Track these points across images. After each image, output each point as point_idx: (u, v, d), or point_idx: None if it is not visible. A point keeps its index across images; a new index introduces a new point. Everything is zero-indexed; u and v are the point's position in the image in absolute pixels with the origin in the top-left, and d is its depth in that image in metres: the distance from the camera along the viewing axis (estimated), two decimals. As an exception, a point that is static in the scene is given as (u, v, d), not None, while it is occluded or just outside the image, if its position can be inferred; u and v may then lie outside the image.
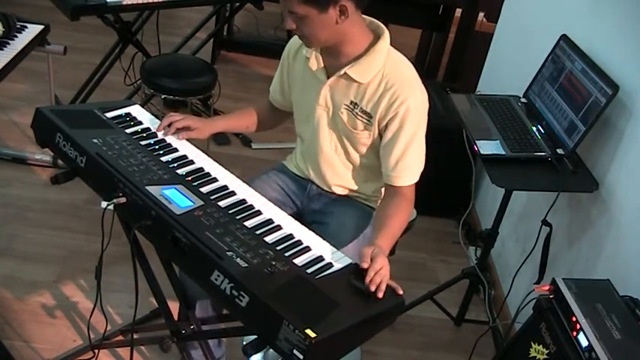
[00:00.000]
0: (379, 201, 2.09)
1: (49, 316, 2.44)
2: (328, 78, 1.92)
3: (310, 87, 1.97)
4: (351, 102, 1.90)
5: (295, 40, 2.02)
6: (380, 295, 1.52)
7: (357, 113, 1.90)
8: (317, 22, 1.75)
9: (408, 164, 1.89)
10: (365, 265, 1.57)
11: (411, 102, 1.84)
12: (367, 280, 1.54)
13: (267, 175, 2.14)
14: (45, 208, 2.94)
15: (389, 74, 1.85)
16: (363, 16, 1.86)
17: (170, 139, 1.90)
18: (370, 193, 2.08)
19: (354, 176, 2.04)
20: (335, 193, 2.08)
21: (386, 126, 1.88)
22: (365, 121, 1.90)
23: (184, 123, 1.94)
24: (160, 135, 1.91)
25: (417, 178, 1.92)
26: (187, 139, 1.93)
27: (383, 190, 2.07)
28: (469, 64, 4.00)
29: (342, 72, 1.87)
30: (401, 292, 1.58)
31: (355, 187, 2.06)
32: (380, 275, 1.55)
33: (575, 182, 2.21)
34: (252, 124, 2.19)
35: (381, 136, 1.91)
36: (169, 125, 1.93)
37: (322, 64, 1.93)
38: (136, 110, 1.98)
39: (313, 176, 2.08)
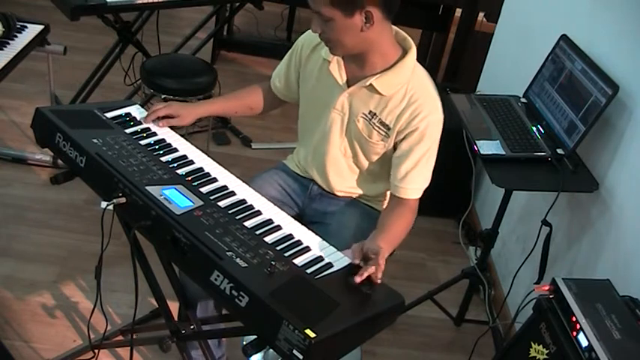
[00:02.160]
0: (382, 203, 2.09)
1: (49, 316, 2.44)
2: (349, 85, 1.90)
3: (326, 89, 1.94)
4: (370, 112, 1.89)
5: (311, 36, 1.99)
6: (379, 281, 1.54)
7: (374, 123, 1.89)
8: (342, 27, 1.73)
9: (416, 178, 1.89)
10: (356, 261, 1.57)
11: (432, 118, 1.85)
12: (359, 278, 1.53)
13: (267, 174, 2.13)
14: (45, 208, 2.94)
15: (414, 89, 1.85)
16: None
17: (170, 140, 1.89)
18: (374, 194, 2.07)
19: (360, 180, 2.04)
20: (336, 194, 2.07)
21: (403, 138, 1.87)
22: (382, 132, 1.89)
23: (166, 111, 1.94)
24: (144, 123, 1.91)
25: (420, 194, 1.92)
26: (187, 140, 1.93)
27: (387, 193, 2.07)
28: (469, 64, 4.00)
29: (367, 83, 1.85)
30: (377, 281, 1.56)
31: (359, 191, 2.06)
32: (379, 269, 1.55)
33: (575, 182, 2.21)
34: (241, 108, 2.16)
35: (395, 147, 1.91)
36: (151, 114, 1.93)
37: (344, 71, 1.90)
38: (136, 110, 1.98)
39: (316, 176, 2.07)
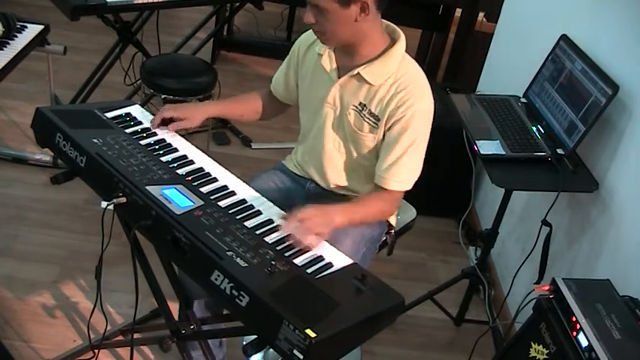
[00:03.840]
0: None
1: (49, 316, 2.44)
2: (340, 77, 1.91)
3: (320, 84, 1.96)
4: (360, 103, 1.90)
5: (307, 36, 2.02)
6: (302, 246, 1.59)
7: (364, 115, 1.90)
8: (337, 18, 1.74)
9: (401, 170, 1.87)
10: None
11: (418, 107, 1.84)
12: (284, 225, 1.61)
13: (265, 175, 2.14)
14: (45, 208, 2.94)
15: (401, 78, 1.85)
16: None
17: (170, 139, 1.89)
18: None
19: (355, 177, 2.04)
20: (334, 192, 2.07)
21: (391, 127, 1.87)
22: (372, 123, 1.89)
23: (171, 113, 1.93)
24: (152, 128, 1.90)
25: (408, 187, 1.90)
26: (187, 140, 1.93)
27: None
28: (469, 64, 4.00)
29: (354, 72, 1.87)
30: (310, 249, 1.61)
31: (355, 187, 2.06)
32: (298, 223, 1.60)
33: (575, 182, 2.22)
34: (247, 112, 2.16)
35: (384, 138, 1.91)
36: (156, 116, 1.92)
37: (335, 63, 1.92)
38: (136, 110, 1.98)
39: (314, 173, 2.08)
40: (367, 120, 1.90)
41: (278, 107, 2.20)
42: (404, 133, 1.85)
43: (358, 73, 1.87)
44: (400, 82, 1.85)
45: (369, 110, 1.89)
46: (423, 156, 1.90)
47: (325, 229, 1.66)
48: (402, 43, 1.88)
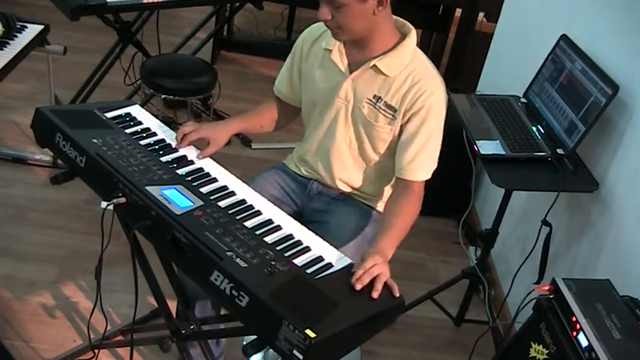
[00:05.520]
0: (379, 202, 2.09)
1: (49, 316, 2.44)
2: (352, 72, 1.91)
3: (329, 80, 1.95)
4: (375, 96, 1.90)
5: (311, 32, 2.02)
6: (374, 295, 1.52)
7: (379, 107, 1.90)
8: (355, 12, 1.75)
9: (425, 159, 1.89)
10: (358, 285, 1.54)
11: (436, 97, 1.86)
12: (354, 278, 1.52)
13: (267, 174, 2.13)
14: (45, 208, 2.94)
15: (416, 69, 1.87)
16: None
17: (170, 140, 1.89)
18: (373, 192, 2.07)
19: (362, 173, 2.04)
20: (338, 189, 2.07)
21: (409, 119, 1.88)
22: (389, 115, 1.89)
23: (197, 135, 1.90)
24: (179, 150, 1.86)
25: (429, 176, 1.92)
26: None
27: (385, 190, 2.07)
28: (469, 64, 4.00)
29: (370, 64, 1.87)
30: (397, 294, 1.56)
31: (360, 185, 2.05)
32: (370, 274, 1.53)
33: (575, 182, 2.22)
34: (266, 121, 2.14)
35: (401, 132, 1.91)
36: (182, 139, 1.88)
37: (346, 57, 1.92)
38: (136, 110, 1.98)
39: (321, 170, 2.06)
40: (383, 112, 1.90)
41: (291, 112, 2.18)
42: (424, 124, 1.87)
43: (374, 65, 1.87)
44: (415, 73, 1.86)
45: (385, 102, 1.89)
46: (440, 143, 1.92)
47: (387, 268, 1.62)
48: (413, 35, 1.90)
